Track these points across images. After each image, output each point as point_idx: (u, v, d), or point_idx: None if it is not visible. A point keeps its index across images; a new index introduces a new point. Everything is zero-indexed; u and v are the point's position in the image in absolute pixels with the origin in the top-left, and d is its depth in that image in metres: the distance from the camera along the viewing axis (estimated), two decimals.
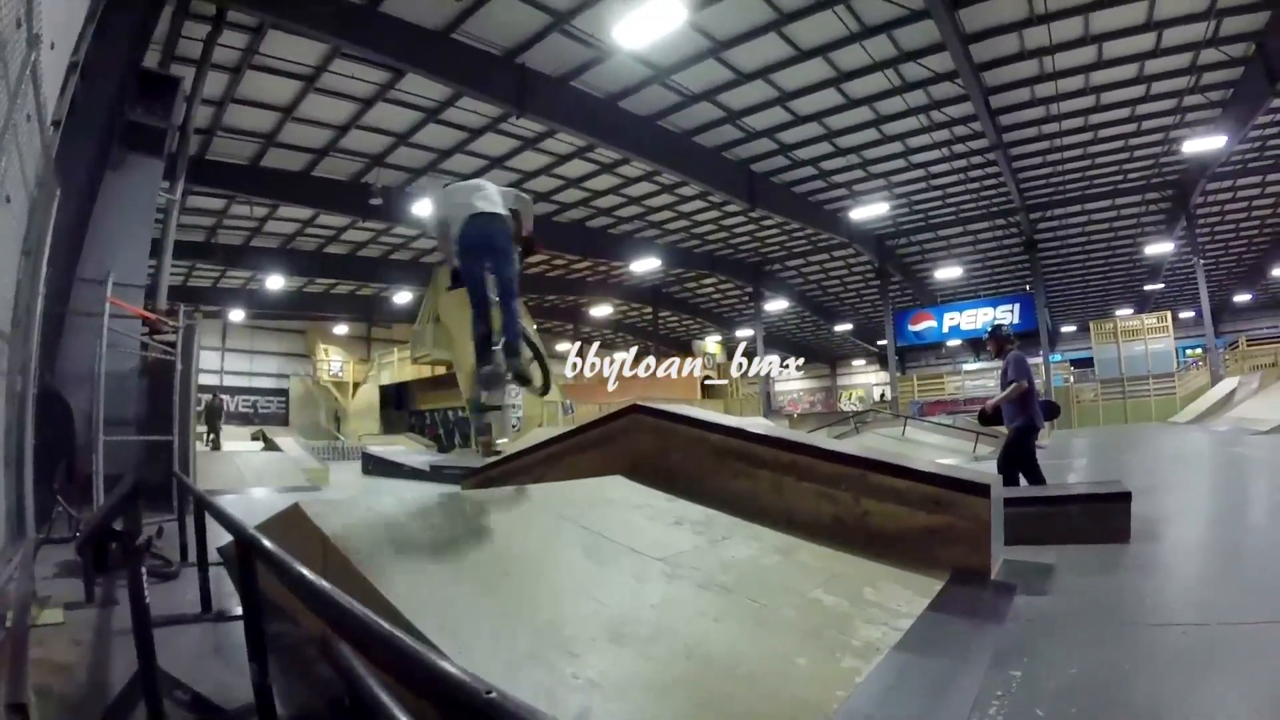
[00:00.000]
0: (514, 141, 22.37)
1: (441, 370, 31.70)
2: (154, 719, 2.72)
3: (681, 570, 4.14)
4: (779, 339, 56.25)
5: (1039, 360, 34.78)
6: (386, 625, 1.45)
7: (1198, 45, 19.12)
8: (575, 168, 24.76)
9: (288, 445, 21.43)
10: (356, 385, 40.93)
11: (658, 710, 2.66)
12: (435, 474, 18.26)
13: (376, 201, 22.96)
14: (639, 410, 6.61)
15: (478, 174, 23.93)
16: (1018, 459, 8.27)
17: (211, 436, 22.53)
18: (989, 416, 8.86)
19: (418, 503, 4.75)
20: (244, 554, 2.55)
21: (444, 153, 22.75)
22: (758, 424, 6.78)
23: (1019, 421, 8.30)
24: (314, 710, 2.89)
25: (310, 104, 19.17)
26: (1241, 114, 21.61)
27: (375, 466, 21.46)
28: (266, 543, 2.28)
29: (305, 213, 26.99)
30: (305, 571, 1.88)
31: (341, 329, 43.65)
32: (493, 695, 1.11)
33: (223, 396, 29.35)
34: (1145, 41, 19.03)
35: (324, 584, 1.76)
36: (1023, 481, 8.09)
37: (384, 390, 38.14)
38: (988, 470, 7.54)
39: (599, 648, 3.05)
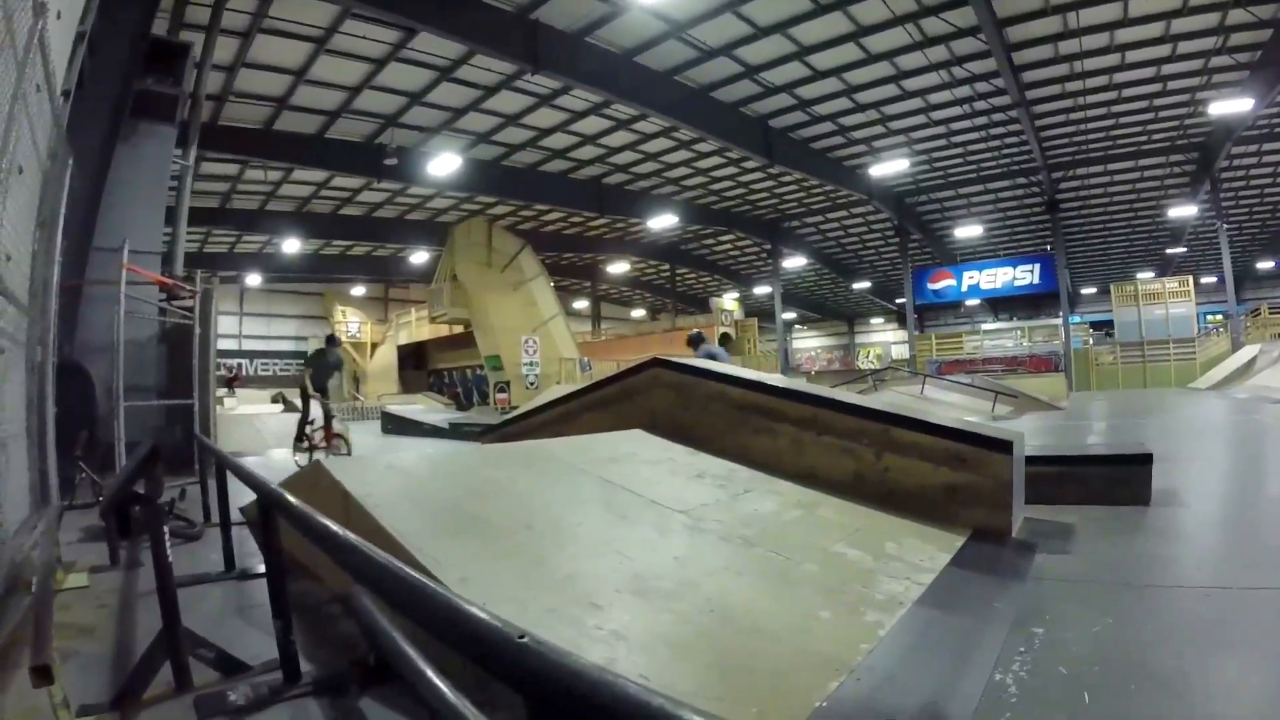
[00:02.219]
0: (529, 99, 22.12)
1: (459, 329, 31.57)
2: (179, 676, 2.75)
3: (704, 524, 4.15)
4: (797, 296, 56.10)
5: (1056, 321, 35.11)
6: (413, 573, 1.43)
7: (1225, 5, 18.60)
8: (591, 124, 24.50)
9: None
10: (374, 346, 41.03)
11: (682, 664, 2.67)
12: (454, 431, 18.31)
13: (391, 161, 22.87)
14: (660, 364, 6.58)
15: (493, 131, 23.84)
16: None
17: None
18: None
19: (437, 459, 4.76)
20: (266, 511, 2.56)
21: (458, 111, 22.52)
22: (776, 380, 6.71)
23: None
24: (337, 665, 2.91)
25: (322, 66, 18.98)
26: (1269, 77, 21.00)
27: (394, 425, 21.53)
28: (290, 498, 2.27)
29: (320, 175, 26.89)
30: (329, 523, 1.87)
31: (359, 290, 43.95)
32: (525, 639, 1.11)
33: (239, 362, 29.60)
34: None
35: (349, 535, 1.76)
36: None
37: (402, 350, 38.22)
38: (1008, 428, 7.51)
39: (622, 600, 3.06)
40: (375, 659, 2.77)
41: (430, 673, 2.03)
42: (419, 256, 36.56)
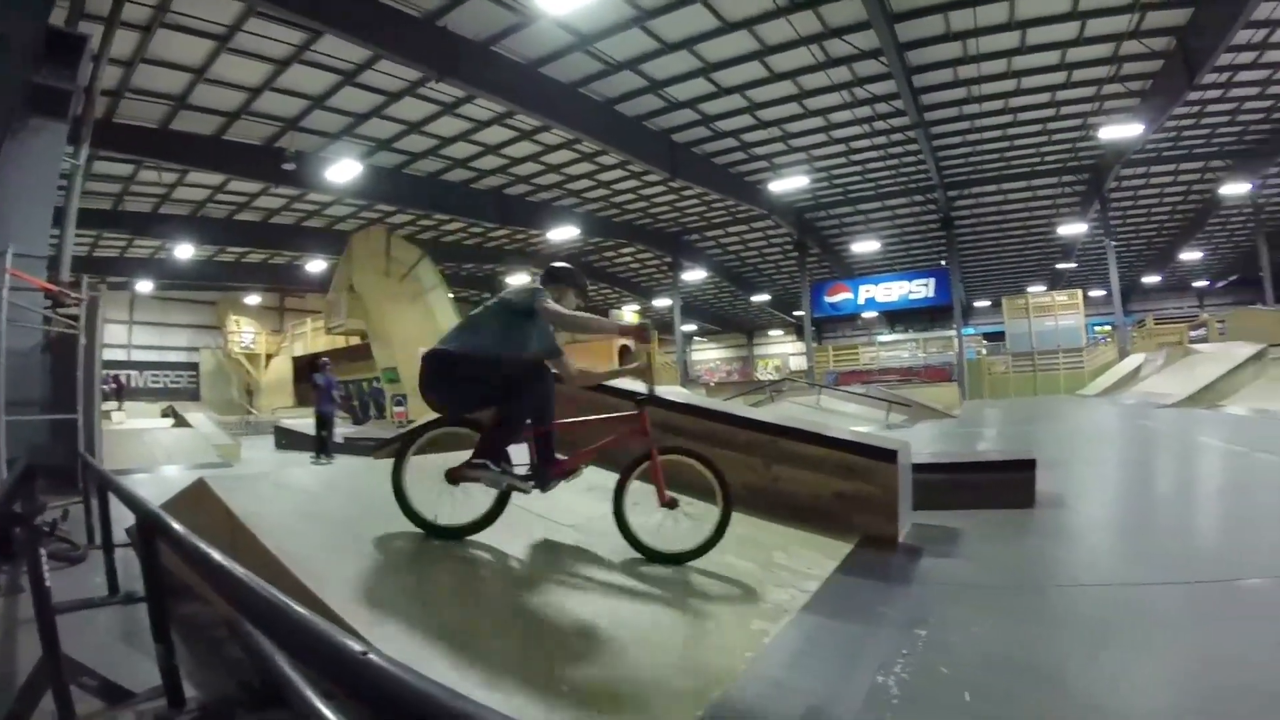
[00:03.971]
0: (432, 106, 21.92)
1: (356, 340, 30.79)
2: (61, 706, 2.67)
3: (591, 537, 4.20)
4: (697, 309, 56.63)
5: (950, 332, 36.73)
6: (281, 598, 1.43)
7: (1120, 37, 19.76)
8: (494, 134, 24.36)
9: (198, 421, 20.75)
10: (269, 357, 39.89)
11: (569, 676, 2.69)
12: (349, 446, 17.96)
13: (290, 166, 22.29)
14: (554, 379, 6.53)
15: (394, 139, 23.52)
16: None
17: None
18: None
19: (327, 476, 4.69)
20: (146, 533, 2.51)
21: (360, 116, 22.20)
22: (674, 393, 6.76)
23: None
24: (224, 691, 2.86)
25: (223, 64, 18.42)
26: (1159, 105, 22.50)
27: (289, 440, 21.03)
28: (168, 520, 2.23)
29: (216, 178, 26.04)
30: (206, 548, 1.85)
31: (253, 299, 42.38)
32: (369, 655, 1.11)
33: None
34: (1069, 30, 19.59)
35: (223, 560, 1.74)
36: None
37: (298, 362, 36.94)
38: (900, 438, 7.74)
39: (509, 615, 3.07)
40: (260, 682, 2.72)
41: (312, 695, 2.01)
42: (316, 265, 35.52)
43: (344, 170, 22.71)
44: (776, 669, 2.97)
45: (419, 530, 3.94)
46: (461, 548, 3.88)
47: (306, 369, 34.76)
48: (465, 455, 4.10)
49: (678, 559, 4.02)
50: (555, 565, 3.80)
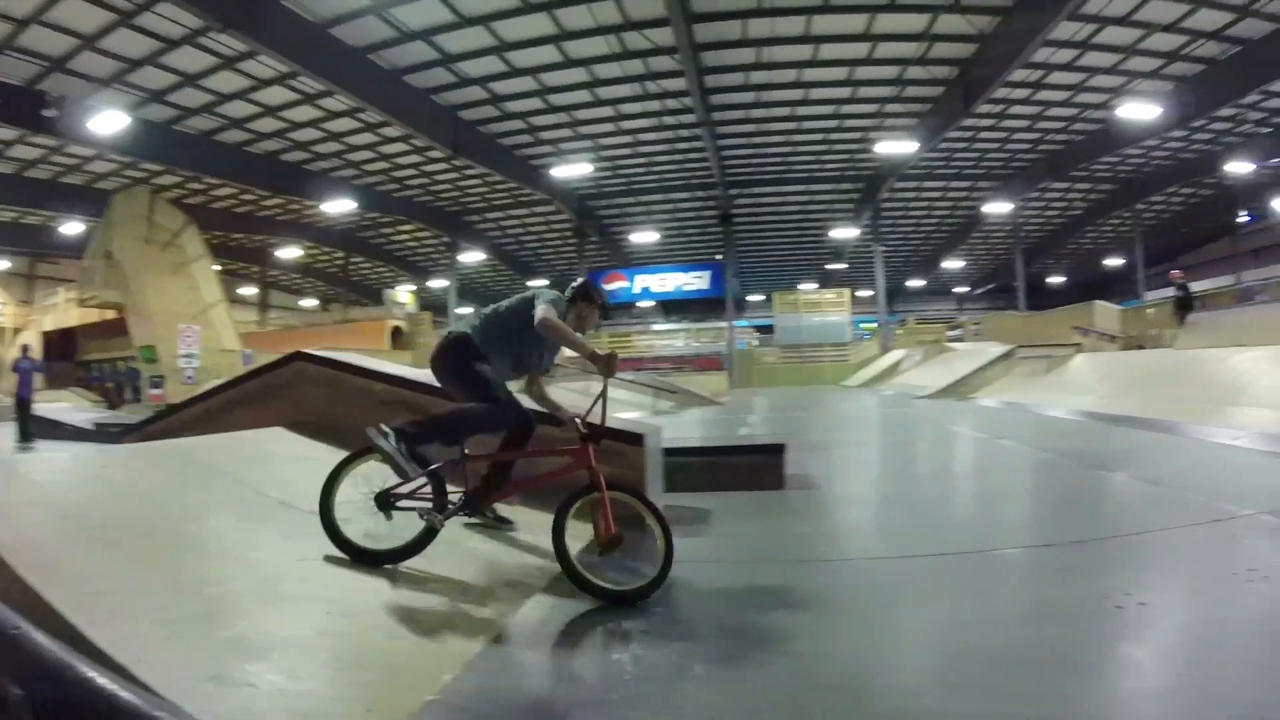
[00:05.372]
0: (212, 59, 20.60)
1: (112, 314, 28.05)
2: None
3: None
4: (474, 292, 56.09)
5: (724, 324, 38.59)
6: None
7: (907, 61, 21.47)
8: (275, 94, 23.33)
9: None
10: (16, 331, 35.50)
11: (305, 668, 2.64)
12: (100, 433, 16.60)
13: (52, 113, 20.19)
14: (303, 358, 6.37)
15: (168, 90, 21.95)
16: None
17: None
18: None
19: (69, 464, 4.38)
20: None
21: (135, 63, 20.43)
22: (418, 374, 6.68)
23: None
24: None
25: None
26: (935, 127, 24.98)
27: (35, 426, 19.25)
28: None
29: None
30: None
31: (1, 264, 37.97)
32: (18, 631, 1.07)
33: None
34: (860, 49, 21.11)
35: None
36: None
37: (48, 337, 32.61)
38: (657, 423, 7.99)
39: (243, 606, 2.97)
40: None
41: None
42: (73, 227, 31.62)
43: (110, 121, 20.55)
44: (513, 649, 3.02)
45: (155, 521, 3.71)
46: (200, 537, 3.65)
47: (58, 345, 31.75)
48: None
49: (622, 597, 3.63)
50: (292, 555, 3.66)
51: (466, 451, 4.10)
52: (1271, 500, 5.08)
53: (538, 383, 4.69)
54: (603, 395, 4.14)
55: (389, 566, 3.68)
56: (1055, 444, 9.20)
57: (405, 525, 3.78)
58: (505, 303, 4.42)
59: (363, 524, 3.79)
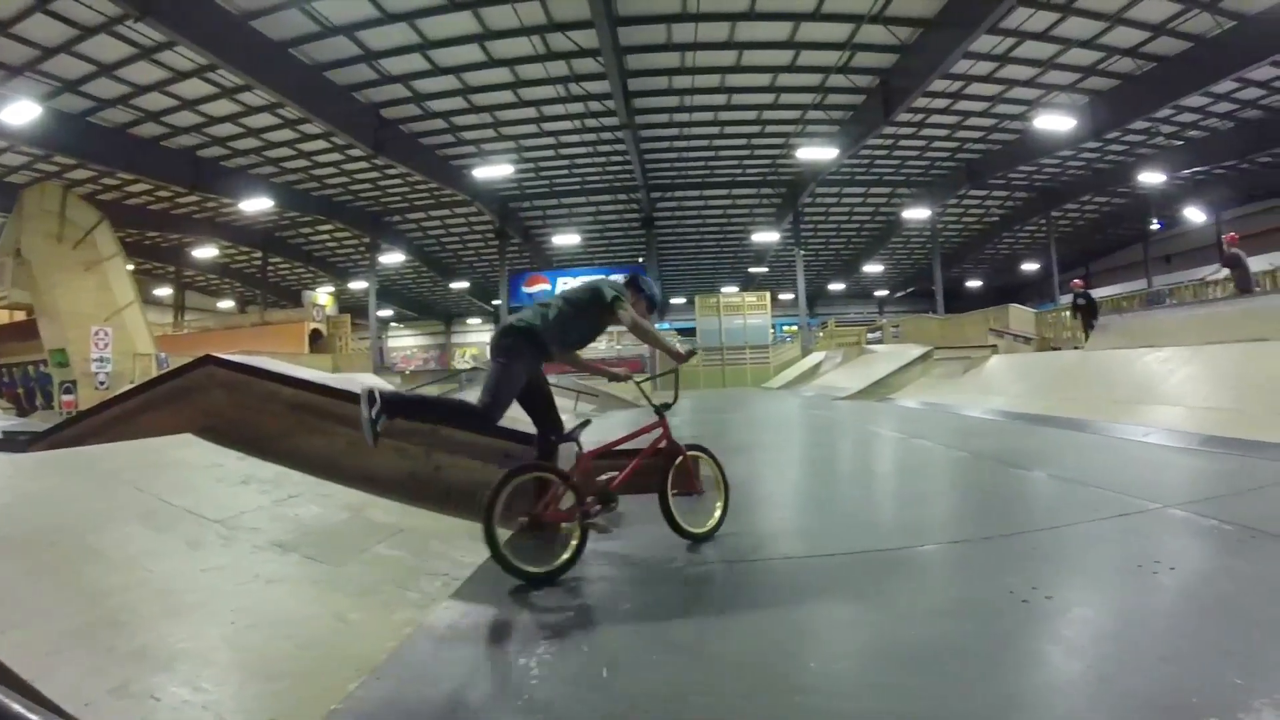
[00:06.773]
0: (129, 48, 19.90)
1: (21, 315, 26.93)
2: None
3: (239, 532, 4.04)
4: (395, 294, 55.85)
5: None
6: None
7: (829, 70, 21.98)
8: (193, 88, 22.65)
9: None
10: None
11: (209, 679, 2.58)
12: (9, 442, 15.91)
13: None
14: (213, 362, 6.21)
15: (83, 80, 21.24)
16: None
17: None
18: None
19: None
20: None
21: (47, 50, 19.60)
22: (327, 378, 6.53)
23: None
24: None
25: None
26: (856, 134, 25.56)
27: None
28: None
29: None
30: None
31: None
32: None
33: None
34: (783, 57, 21.47)
35: None
36: None
37: None
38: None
39: (147, 617, 2.91)
40: None
41: None
42: None
43: (21, 111, 19.88)
44: (418, 657, 2.97)
45: (56, 532, 3.57)
46: (101, 548, 3.52)
47: None
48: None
49: (706, 536, 4.80)
50: (195, 565, 3.57)
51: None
52: (1178, 494, 5.29)
53: (578, 357, 5.22)
54: (676, 379, 5.29)
55: (295, 575, 3.62)
56: (971, 443, 9.39)
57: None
58: (573, 294, 4.72)
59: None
